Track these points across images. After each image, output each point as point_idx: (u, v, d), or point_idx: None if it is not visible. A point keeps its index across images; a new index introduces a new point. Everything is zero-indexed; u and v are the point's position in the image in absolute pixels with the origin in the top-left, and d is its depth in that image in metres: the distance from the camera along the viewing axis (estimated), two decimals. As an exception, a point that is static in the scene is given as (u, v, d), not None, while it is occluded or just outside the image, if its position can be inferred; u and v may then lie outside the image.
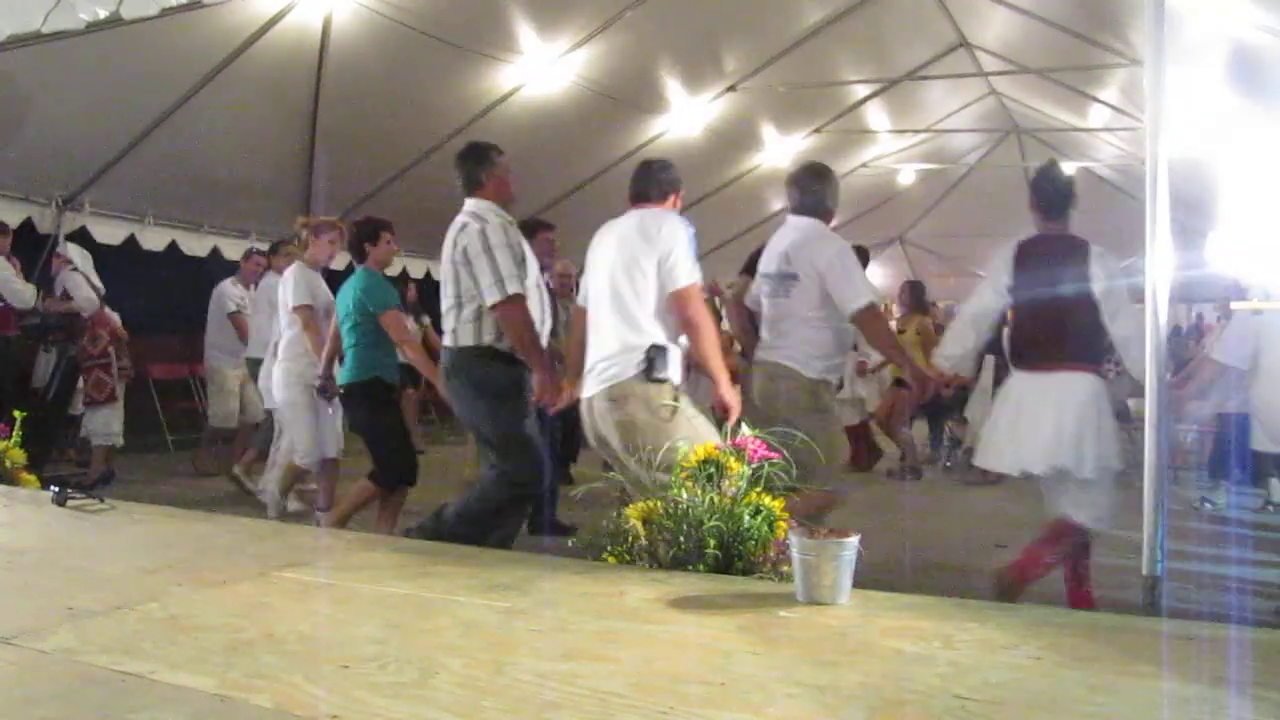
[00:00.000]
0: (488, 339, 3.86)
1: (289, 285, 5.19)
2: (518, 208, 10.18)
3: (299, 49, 6.48)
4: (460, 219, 3.94)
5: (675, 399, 3.37)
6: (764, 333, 4.04)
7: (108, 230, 7.19)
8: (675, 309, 3.40)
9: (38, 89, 5.80)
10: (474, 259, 3.77)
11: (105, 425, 6.46)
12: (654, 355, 3.35)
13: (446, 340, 3.97)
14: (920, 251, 15.27)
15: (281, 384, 5.23)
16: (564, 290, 5.96)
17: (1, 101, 5.83)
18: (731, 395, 3.45)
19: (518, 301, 3.77)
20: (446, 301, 3.95)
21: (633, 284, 3.41)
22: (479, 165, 3.99)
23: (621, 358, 3.40)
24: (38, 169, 6.61)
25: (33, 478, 4.36)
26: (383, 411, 4.70)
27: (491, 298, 3.74)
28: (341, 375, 4.74)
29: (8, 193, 6.63)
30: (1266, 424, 4.53)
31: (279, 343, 5.32)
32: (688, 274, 3.39)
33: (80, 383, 6.43)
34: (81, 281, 6.38)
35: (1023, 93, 10.03)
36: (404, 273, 9.57)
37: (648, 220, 3.49)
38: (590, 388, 3.49)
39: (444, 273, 3.96)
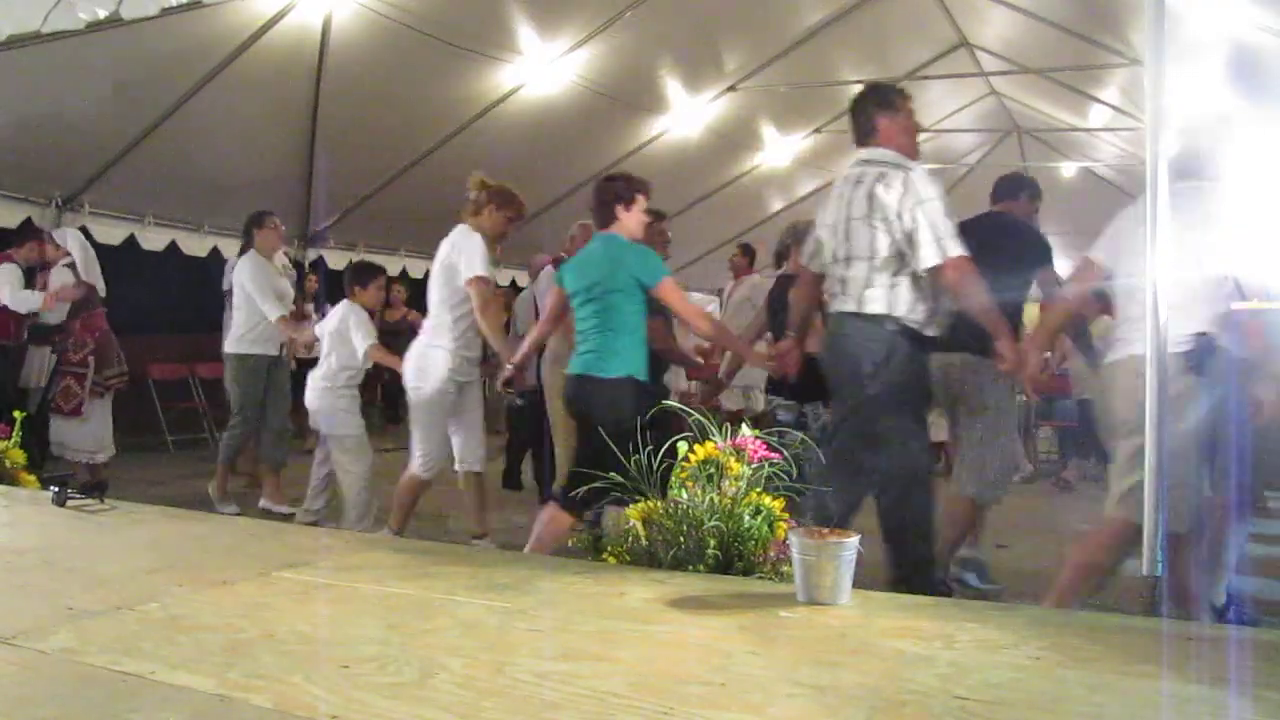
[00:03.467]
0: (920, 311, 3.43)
1: (464, 250, 4.47)
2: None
3: (299, 49, 6.48)
4: (860, 170, 3.50)
5: None
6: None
7: (108, 230, 7.18)
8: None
9: (38, 89, 5.80)
10: (905, 213, 3.33)
11: (75, 439, 5.80)
12: None
13: (850, 305, 3.46)
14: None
15: (438, 374, 4.55)
16: None
17: (1, 101, 5.83)
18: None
19: (967, 262, 3.33)
20: (841, 257, 3.50)
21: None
22: (880, 108, 3.54)
23: None
24: (38, 169, 6.61)
25: (32, 478, 4.36)
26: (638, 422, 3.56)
27: (931, 259, 3.32)
28: (597, 366, 3.74)
29: (8, 193, 6.63)
30: None
31: (434, 324, 4.63)
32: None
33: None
34: (63, 280, 5.91)
35: (1023, 93, 10.02)
36: (403, 273, 9.58)
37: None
38: None
39: (837, 228, 3.52)
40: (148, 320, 7.85)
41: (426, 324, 4.76)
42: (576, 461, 3.67)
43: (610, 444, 3.08)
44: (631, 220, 3.86)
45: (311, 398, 5.22)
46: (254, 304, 5.67)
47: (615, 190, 3.90)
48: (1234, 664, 1.93)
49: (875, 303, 3.41)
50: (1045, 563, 4.08)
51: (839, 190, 3.59)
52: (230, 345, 5.89)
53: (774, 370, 4.17)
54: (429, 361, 4.62)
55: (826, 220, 3.62)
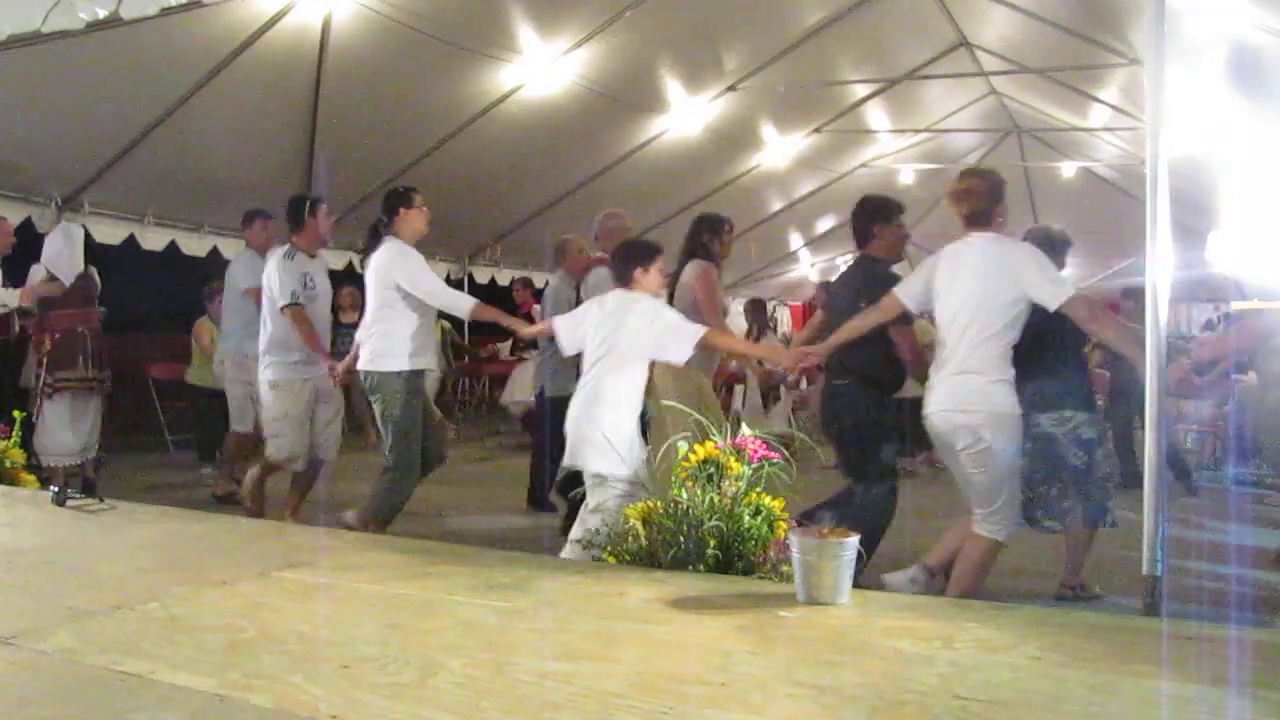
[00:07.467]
0: None
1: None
2: (517, 208, 10.13)
3: (299, 49, 6.48)
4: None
5: None
6: None
7: (108, 230, 7.18)
8: None
9: (38, 89, 5.80)
10: None
11: (36, 440, 5.36)
12: None
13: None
14: (920, 252, 15.25)
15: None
16: None
17: (2, 101, 5.83)
18: None
19: None
20: None
21: None
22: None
23: None
24: (37, 169, 6.61)
25: (32, 477, 4.37)
26: None
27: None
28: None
29: (8, 193, 6.63)
30: None
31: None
32: None
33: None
34: (38, 277, 5.63)
35: (1023, 93, 10.01)
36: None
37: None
38: None
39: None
40: (148, 320, 7.84)
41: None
42: None
43: None
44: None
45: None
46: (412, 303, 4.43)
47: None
48: (1234, 664, 1.93)
49: None
50: (1044, 564, 4.08)
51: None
52: (392, 361, 4.39)
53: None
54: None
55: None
